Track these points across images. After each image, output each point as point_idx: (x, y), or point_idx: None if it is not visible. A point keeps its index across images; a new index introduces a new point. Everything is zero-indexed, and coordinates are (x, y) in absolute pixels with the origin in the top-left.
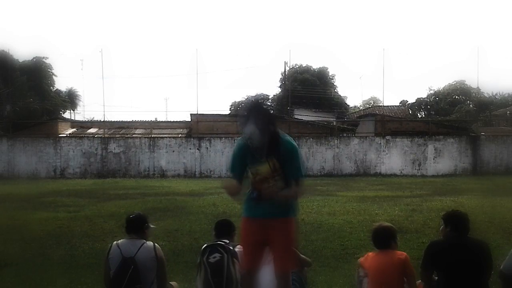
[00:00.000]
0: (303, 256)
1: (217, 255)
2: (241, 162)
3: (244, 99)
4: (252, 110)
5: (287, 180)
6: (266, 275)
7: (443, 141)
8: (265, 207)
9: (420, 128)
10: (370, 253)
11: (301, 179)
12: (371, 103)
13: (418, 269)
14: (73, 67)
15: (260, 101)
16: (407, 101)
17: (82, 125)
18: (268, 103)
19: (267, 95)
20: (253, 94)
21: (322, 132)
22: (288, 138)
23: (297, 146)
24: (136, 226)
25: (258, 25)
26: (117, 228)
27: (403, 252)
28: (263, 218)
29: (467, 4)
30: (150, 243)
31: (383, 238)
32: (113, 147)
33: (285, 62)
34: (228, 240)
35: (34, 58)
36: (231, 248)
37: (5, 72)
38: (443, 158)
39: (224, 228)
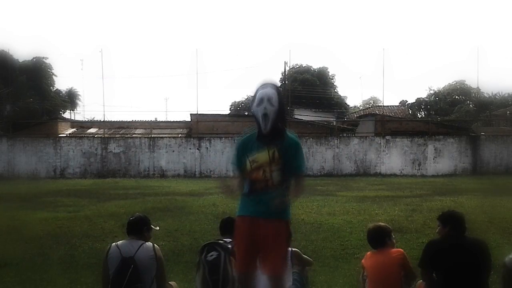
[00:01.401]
0: (305, 256)
1: (214, 253)
2: (243, 155)
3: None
4: (274, 85)
5: (286, 174)
6: (262, 276)
7: (443, 141)
8: (258, 204)
9: (420, 128)
10: (368, 253)
11: (302, 175)
12: (371, 103)
13: (418, 269)
14: (73, 67)
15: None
16: (407, 101)
17: (82, 125)
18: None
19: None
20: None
21: (322, 132)
22: (293, 134)
23: (300, 143)
24: (136, 228)
25: (258, 25)
26: (117, 228)
27: (400, 249)
28: (255, 216)
29: (467, 4)
30: (149, 243)
31: (378, 238)
32: (113, 147)
33: (285, 62)
34: (231, 238)
35: (34, 58)
36: (228, 246)
37: (5, 72)
38: (443, 158)
39: (227, 226)
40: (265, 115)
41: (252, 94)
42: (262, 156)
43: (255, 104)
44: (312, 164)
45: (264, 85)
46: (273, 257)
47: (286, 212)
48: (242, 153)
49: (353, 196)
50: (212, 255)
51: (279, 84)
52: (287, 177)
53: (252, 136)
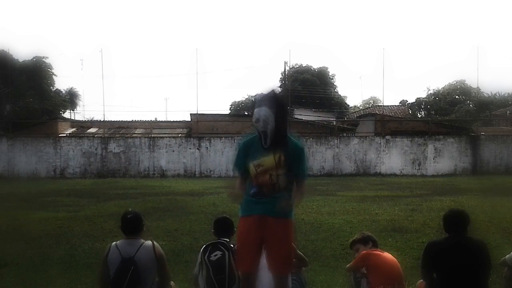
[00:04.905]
0: (301, 253)
1: (218, 252)
2: (245, 158)
3: (262, 91)
4: (270, 96)
5: (291, 178)
6: (266, 275)
7: (443, 141)
8: (265, 204)
9: (420, 128)
10: (371, 252)
11: (305, 180)
12: (371, 103)
13: (418, 268)
14: (73, 67)
15: (278, 92)
16: (407, 101)
17: (82, 125)
18: (285, 100)
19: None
20: (273, 87)
21: (322, 132)
22: (298, 139)
23: (305, 148)
24: (134, 226)
25: (258, 25)
26: (117, 228)
27: None
28: (262, 215)
29: (467, 4)
30: (149, 242)
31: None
32: (113, 147)
33: (285, 62)
34: (228, 239)
35: (34, 58)
36: (232, 245)
37: (5, 72)
38: (443, 158)
39: (225, 226)
40: (264, 132)
41: (253, 97)
42: (267, 160)
43: (253, 120)
44: (312, 164)
45: (260, 102)
46: (280, 256)
47: (291, 213)
48: (244, 155)
49: (353, 196)
50: (216, 255)
51: (277, 90)
52: (292, 181)
53: (254, 138)
